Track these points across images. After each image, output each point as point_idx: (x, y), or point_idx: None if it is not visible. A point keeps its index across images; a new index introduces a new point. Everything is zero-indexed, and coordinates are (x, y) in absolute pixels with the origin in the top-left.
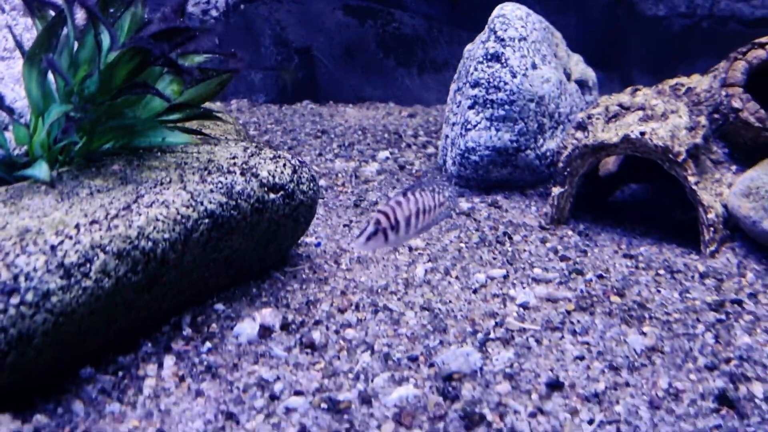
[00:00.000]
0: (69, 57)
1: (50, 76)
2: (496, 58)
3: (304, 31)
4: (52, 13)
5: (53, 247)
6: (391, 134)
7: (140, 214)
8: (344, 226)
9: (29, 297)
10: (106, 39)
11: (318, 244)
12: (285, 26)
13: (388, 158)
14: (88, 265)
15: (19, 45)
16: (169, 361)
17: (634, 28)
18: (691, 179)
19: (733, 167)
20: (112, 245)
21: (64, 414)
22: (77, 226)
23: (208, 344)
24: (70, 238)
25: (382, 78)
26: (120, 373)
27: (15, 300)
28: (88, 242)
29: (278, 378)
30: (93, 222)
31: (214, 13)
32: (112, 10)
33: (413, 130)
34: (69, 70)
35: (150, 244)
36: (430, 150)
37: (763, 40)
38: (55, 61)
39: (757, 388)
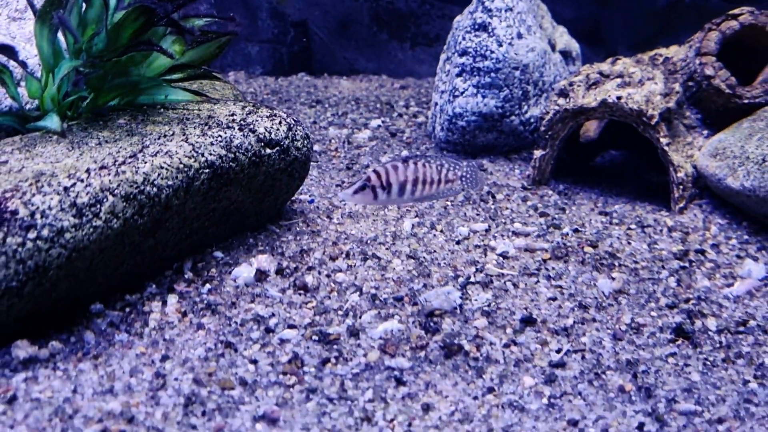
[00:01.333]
0: (78, 16)
1: (59, 34)
2: (483, 27)
3: (300, 4)
4: None
5: (66, 189)
6: (383, 104)
7: (146, 162)
8: (336, 186)
9: (45, 232)
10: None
11: (311, 201)
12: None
13: (379, 126)
14: (98, 206)
15: (31, 4)
16: (172, 299)
17: (620, 4)
18: (663, 141)
19: (705, 132)
20: (120, 189)
21: (76, 342)
22: (88, 171)
23: (208, 286)
24: (82, 181)
25: (376, 51)
26: (127, 309)
27: (32, 235)
28: (98, 185)
29: (273, 315)
30: (102, 167)
31: None
32: None
33: (405, 101)
34: (78, 29)
35: (155, 189)
36: (421, 119)
37: (736, 11)
38: (66, 19)
39: (711, 322)
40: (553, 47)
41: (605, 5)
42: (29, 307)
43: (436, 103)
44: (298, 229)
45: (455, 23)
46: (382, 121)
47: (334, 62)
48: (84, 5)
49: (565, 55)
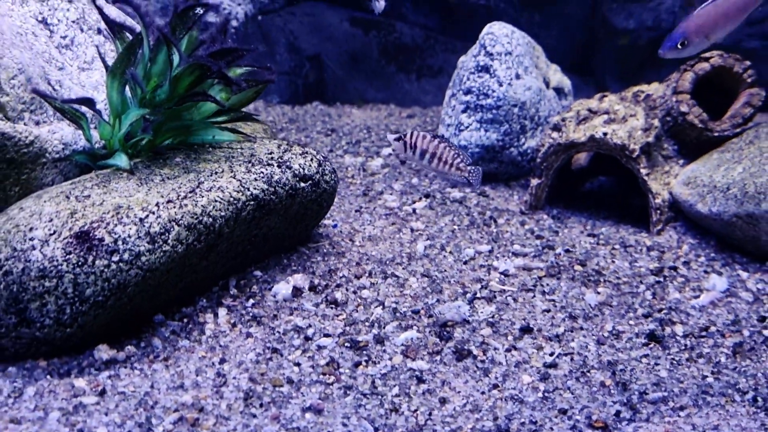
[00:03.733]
0: (143, 70)
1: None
2: (485, 69)
3: (314, 40)
4: (128, 35)
5: (141, 220)
6: (392, 133)
7: (203, 196)
8: (355, 211)
9: (125, 256)
10: (175, 57)
11: (335, 225)
12: (297, 36)
13: (390, 154)
14: (166, 234)
15: (103, 60)
16: (222, 312)
17: (608, 39)
18: (643, 171)
19: (681, 161)
20: (183, 219)
21: (146, 347)
22: (157, 204)
23: (251, 301)
24: (153, 213)
25: (384, 82)
26: (185, 320)
27: (115, 258)
28: (166, 216)
29: (310, 325)
30: (168, 201)
31: (234, 23)
32: (177, 33)
33: (413, 129)
34: (143, 80)
35: (210, 219)
36: None
37: (707, 55)
38: (137, 75)
39: (679, 329)
40: (547, 84)
41: (594, 41)
42: (109, 317)
43: (443, 134)
44: (325, 250)
45: (460, 63)
46: (393, 150)
47: (346, 92)
48: (149, 63)
49: (558, 91)
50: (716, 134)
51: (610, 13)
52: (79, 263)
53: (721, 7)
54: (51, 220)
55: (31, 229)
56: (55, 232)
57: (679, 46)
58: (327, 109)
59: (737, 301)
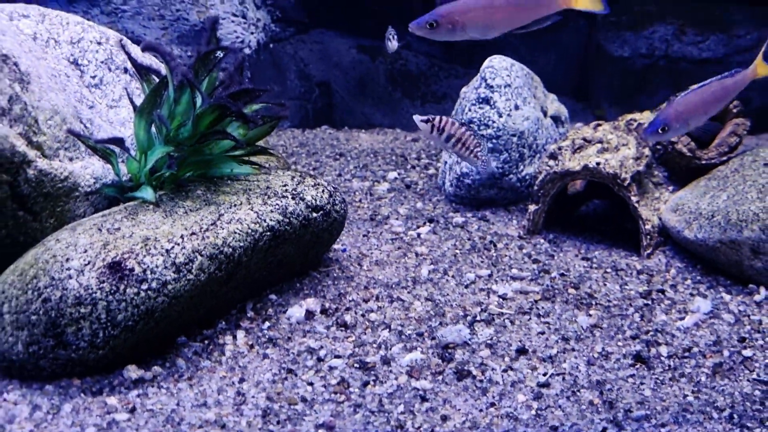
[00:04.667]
0: (168, 110)
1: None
2: (486, 101)
3: (323, 67)
4: (154, 77)
5: (167, 251)
6: (398, 157)
7: (223, 228)
8: (363, 236)
9: (153, 285)
10: (198, 99)
11: (344, 250)
12: (307, 63)
13: (396, 178)
14: (190, 264)
15: (131, 101)
16: (240, 334)
17: (603, 66)
18: (634, 199)
19: (671, 187)
20: (205, 250)
21: (171, 367)
22: (182, 236)
23: (267, 323)
24: (178, 244)
25: (390, 107)
26: (206, 341)
27: (144, 287)
28: (190, 247)
29: (322, 347)
30: (192, 233)
31: (247, 51)
32: (200, 76)
33: (416, 153)
34: (168, 120)
35: (230, 249)
36: (431, 171)
37: (695, 87)
38: (163, 116)
39: (663, 350)
40: (545, 113)
41: (590, 66)
42: (137, 340)
43: (446, 162)
44: (335, 275)
45: (462, 93)
46: (398, 173)
47: (354, 117)
48: (174, 104)
49: (556, 119)
50: (704, 162)
51: (606, 41)
52: (112, 291)
53: (700, 96)
54: (86, 251)
55: (67, 260)
56: (89, 262)
57: (660, 131)
58: (335, 133)
59: (719, 323)
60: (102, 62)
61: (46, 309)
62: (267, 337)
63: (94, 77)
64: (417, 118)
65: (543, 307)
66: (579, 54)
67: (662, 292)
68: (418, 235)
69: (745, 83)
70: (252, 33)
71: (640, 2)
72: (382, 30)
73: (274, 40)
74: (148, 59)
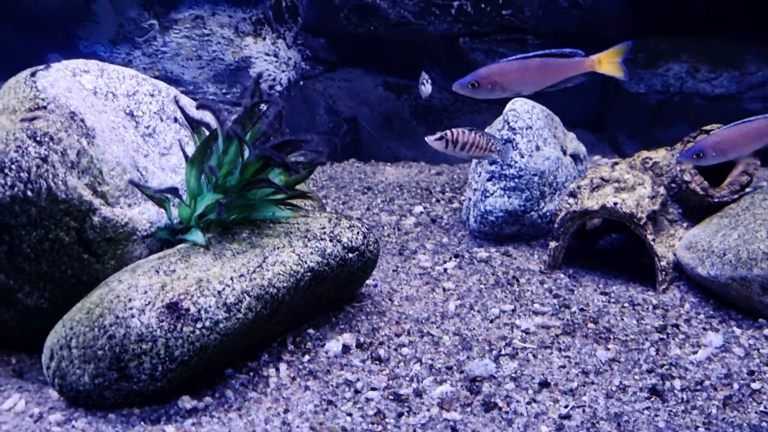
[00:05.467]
0: (216, 160)
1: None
2: (508, 142)
3: (351, 103)
4: (204, 129)
5: (219, 292)
6: (423, 190)
7: (268, 270)
8: (393, 271)
9: (207, 323)
10: (246, 150)
11: (376, 285)
12: (336, 99)
13: (422, 212)
14: (240, 304)
15: (183, 152)
16: (282, 366)
17: (620, 101)
18: (649, 237)
19: (685, 224)
20: (253, 291)
21: (220, 398)
22: (231, 278)
23: (307, 357)
24: (228, 286)
25: (415, 141)
26: (251, 373)
27: (199, 325)
28: (240, 289)
29: (358, 379)
30: (240, 275)
31: (278, 88)
32: (245, 128)
33: (441, 187)
34: (216, 169)
35: (275, 290)
36: (455, 205)
37: (708, 128)
38: (214, 167)
39: (677, 383)
40: (564, 152)
41: (608, 101)
42: (191, 373)
43: (470, 198)
44: (368, 310)
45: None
46: (424, 207)
47: (380, 150)
48: (222, 154)
49: (575, 157)
50: (716, 200)
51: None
52: (170, 329)
53: (740, 131)
54: (146, 292)
55: (130, 300)
56: (150, 302)
57: (694, 156)
58: (363, 167)
59: (730, 356)
60: (155, 113)
61: (111, 345)
62: (307, 369)
63: (147, 127)
64: (430, 138)
65: (564, 342)
66: (597, 89)
67: (677, 326)
68: (445, 270)
69: None
70: (284, 71)
71: (655, 41)
72: (407, 68)
73: (304, 78)
74: (196, 110)
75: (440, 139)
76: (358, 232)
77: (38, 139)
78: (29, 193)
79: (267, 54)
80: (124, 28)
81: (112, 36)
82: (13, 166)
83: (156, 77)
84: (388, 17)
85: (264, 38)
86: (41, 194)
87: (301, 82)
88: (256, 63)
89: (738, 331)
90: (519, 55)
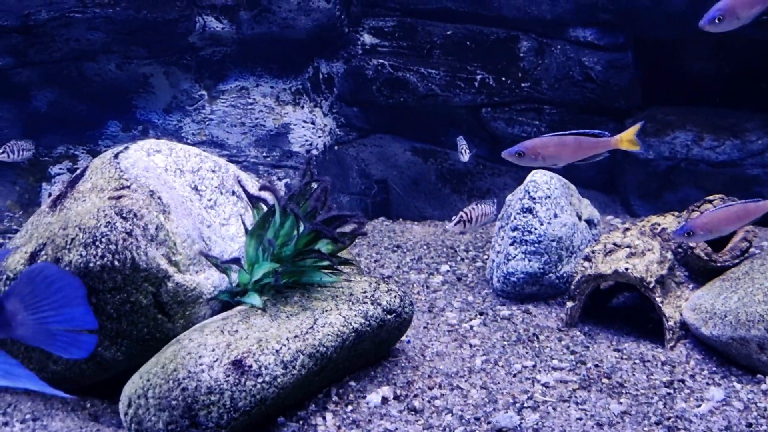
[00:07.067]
0: (273, 232)
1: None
2: (529, 211)
3: (381, 166)
4: (263, 205)
5: (277, 351)
6: (448, 249)
7: (319, 332)
8: (423, 327)
9: (267, 379)
10: (302, 226)
11: (408, 341)
12: (368, 163)
13: (448, 271)
14: (295, 362)
15: (244, 225)
16: (328, 416)
17: (631, 166)
18: (658, 299)
19: (691, 286)
20: (306, 350)
21: None
22: (287, 339)
23: (350, 407)
24: (285, 345)
25: (440, 202)
26: (301, 422)
27: (260, 380)
28: (295, 348)
29: (397, 428)
30: (295, 336)
31: (315, 152)
32: (300, 204)
33: (465, 246)
34: (274, 241)
35: (324, 348)
36: (479, 263)
37: (711, 198)
38: (273, 241)
39: None
40: (579, 217)
41: (619, 165)
42: (250, 421)
43: (493, 260)
44: (402, 364)
45: (507, 201)
46: (450, 266)
47: (407, 210)
48: (279, 227)
49: (589, 222)
50: (719, 264)
51: None
52: (235, 383)
53: (724, 213)
54: (214, 350)
55: (200, 357)
56: (217, 359)
57: (686, 234)
58: (391, 225)
59: (731, 410)
60: (216, 187)
61: (184, 396)
62: (351, 419)
63: (210, 200)
64: (449, 227)
65: (580, 395)
66: (610, 156)
67: (683, 381)
68: (471, 327)
69: (766, 209)
70: (320, 137)
71: (663, 112)
72: (433, 135)
73: (338, 143)
74: (247, 185)
75: (459, 222)
76: (395, 296)
77: (124, 215)
78: (116, 262)
79: (305, 121)
80: (177, 99)
81: (166, 105)
82: (103, 239)
83: (203, 142)
84: (417, 89)
85: (302, 107)
86: (126, 264)
87: (336, 147)
88: (294, 129)
89: (738, 386)
90: (557, 132)
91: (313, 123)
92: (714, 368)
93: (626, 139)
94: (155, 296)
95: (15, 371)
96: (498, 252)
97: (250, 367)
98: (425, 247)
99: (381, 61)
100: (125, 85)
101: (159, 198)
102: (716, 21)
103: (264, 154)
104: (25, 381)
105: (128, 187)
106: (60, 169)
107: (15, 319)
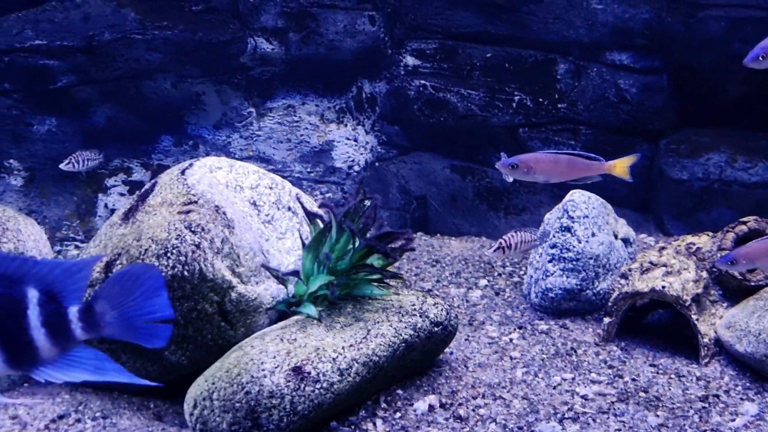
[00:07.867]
0: (329, 247)
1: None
2: (567, 229)
3: (421, 183)
4: (319, 222)
5: (334, 359)
6: (485, 264)
7: (372, 341)
8: (465, 340)
9: (324, 385)
10: (357, 242)
11: (452, 353)
12: (408, 180)
13: (486, 286)
14: (350, 369)
15: (302, 240)
16: (378, 421)
17: (665, 187)
18: (693, 317)
19: (725, 304)
20: (360, 358)
21: None
22: (342, 347)
23: (398, 414)
24: (341, 354)
25: (477, 218)
26: (352, 426)
27: (318, 386)
28: (350, 356)
29: None
30: (350, 345)
31: (356, 168)
32: (355, 220)
33: (501, 261)
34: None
35: (377, 358)
36: (515, 279)
37: (745, 219)
38: (329, 255)
39: None
40: (616, 236)
41: (654, 186)
42: (307, 425)
43: (531, 276)
44: (446, 374)
45: (546, 219)
46: (488, 281)
47: (445, 226)
48: (335, 243)
49: (625, 241)
50: (752, 284)
51: (666, 166)
52: (295, 389)
53: (766, 246)
54: (275, 357)
55: (262, 363)
56: (278, 366)
57: (729, 263)
58: (430, 240)
59: (764, 424)
60: (273, 203)
61: (248, 399)
62: (399, 425)
63: (267, 215)
64: (489, 253)
65: (618, 408)
66: (644, 175)
67: (717, 396)
68: (510, 340)
69: None
70: (362, 154)
71: (696, 134)
72: (471, 153)
73: (379, 160)
74: (305, 202)
75: (498, 248)
76: (442, 309)
77: (193, 229)
78: (185, 273)
79: (348, 138)
80: (226, 116)
81: (216, 122)
82: (174, 251)
83: (250, 157)
84: (457, 110)
85: (345, 125)
86: (194, 274)
87: (377, 164)
88: (338, 146)
89: None
90: (553, 150)
91: (355, 140)
92: (748, 384)
93: (620, 166)
94: (220, 305)
95: (104, 366)
96: (536, 268)
97: (309, 373)
98: (463, 262)
99: (423, 81)
100: (179, 102)
101: (224, 213)
102: (760, 59)
103: (308, 170)
104: (114, 374)
105: (195, 202)
106: (115, 181)
107: (103, 319)
